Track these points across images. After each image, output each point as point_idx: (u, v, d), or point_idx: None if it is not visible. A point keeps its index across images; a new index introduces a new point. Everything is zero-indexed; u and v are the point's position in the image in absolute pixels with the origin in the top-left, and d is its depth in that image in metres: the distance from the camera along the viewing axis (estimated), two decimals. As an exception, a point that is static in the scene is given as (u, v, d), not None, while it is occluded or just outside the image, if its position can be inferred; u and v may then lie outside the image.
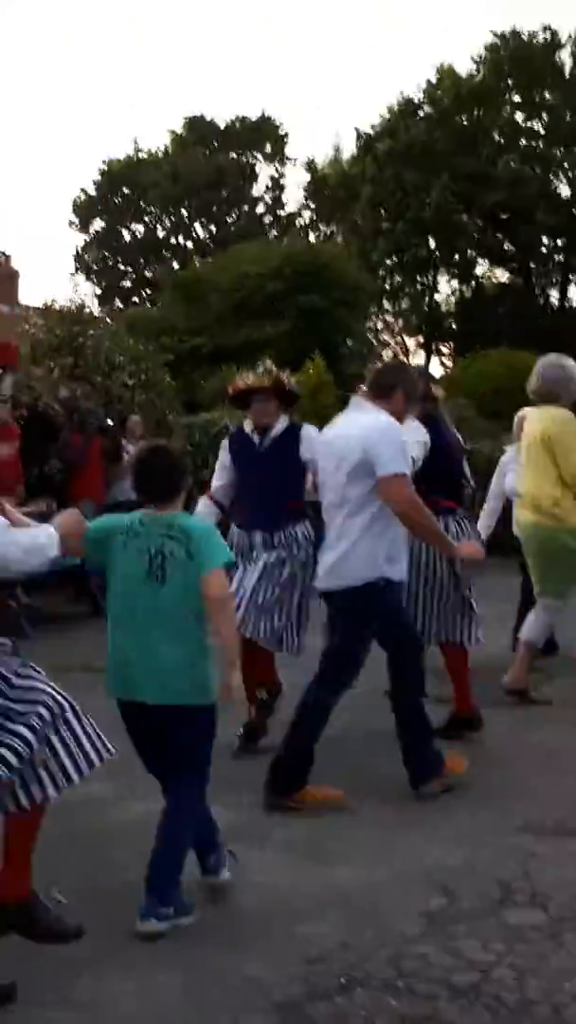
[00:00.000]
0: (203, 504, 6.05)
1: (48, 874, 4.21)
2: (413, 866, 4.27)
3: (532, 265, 36.34)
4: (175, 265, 35.03)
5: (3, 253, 27.86)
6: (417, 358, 37.62)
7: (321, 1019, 3.22)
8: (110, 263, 41.00)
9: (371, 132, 34.76)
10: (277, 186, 41.24)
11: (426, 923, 3.79)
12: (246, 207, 40.70)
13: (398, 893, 4.04)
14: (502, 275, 37.58)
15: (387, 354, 37.56)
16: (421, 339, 37.38)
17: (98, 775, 3.69)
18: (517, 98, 35.30)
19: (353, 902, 3.99)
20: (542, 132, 35.03)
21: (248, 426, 6.09)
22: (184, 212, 40.24)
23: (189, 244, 40.52)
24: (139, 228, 41.46)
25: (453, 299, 37.40)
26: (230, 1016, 3.23)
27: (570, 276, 35.96)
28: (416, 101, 34.75)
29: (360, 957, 3.57)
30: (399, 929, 3.75)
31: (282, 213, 40.89)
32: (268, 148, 40.90)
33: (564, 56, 34.75)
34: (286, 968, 3.51)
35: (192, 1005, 3.30)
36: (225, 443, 6.22)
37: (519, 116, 35.45)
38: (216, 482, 6.14)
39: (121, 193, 40.45)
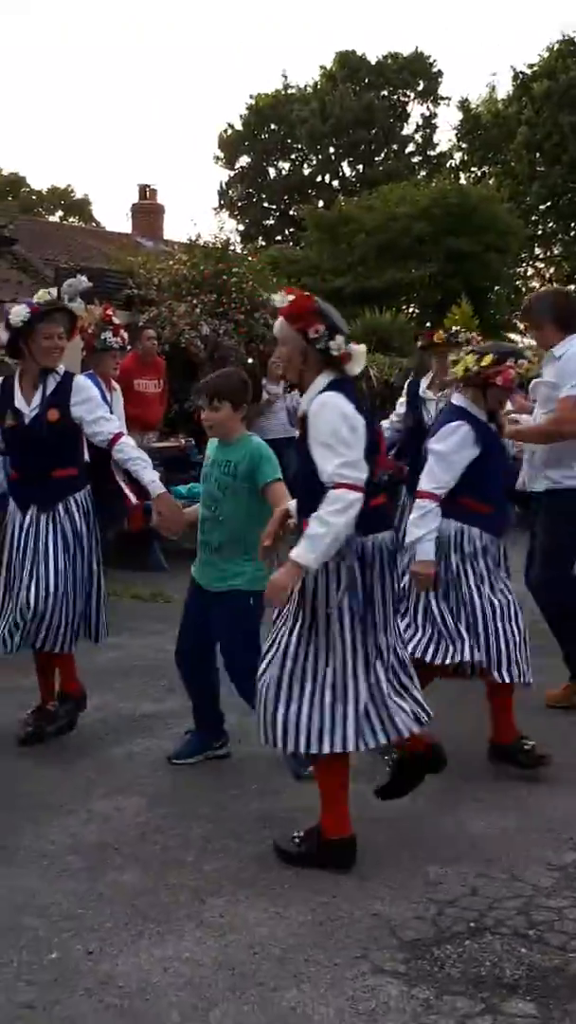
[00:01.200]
0: None
1: (195, 800, 4.33)
2: (546, 820, 4.25)
3: None
4: (320, 204, 34.70)
5: (149, 187, 28.07)
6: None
7: (449, 961, 3.23)
8: (254, 200, 40.90)
9: (528, 72, 33.72)
10: (428, 125, 40.43)
11: (559, 877, 3.76)
12: (395, 147, 40.01)
13: (530, 845, 4.02)
14: None
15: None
16: (572, 288, 36.39)
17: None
18: None
19: (484, 850, 3.98)
20: None
21: None
22: (332, 150, 39.78)
23: (335, 183, 40.09)
24: (285, 166, 41.19)
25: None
26: (359, 950, 3.27)
27: None
28: (577, 40, 33.54)
29: (490, 904, 3.57)
30: (531, 880, 3.73)
31: (432, 154, 40.08)
32: (420, 86, 40.05)
33: None
34: (415, 909, 3.53)
35: (322, 937, 3.35)
36: None
37: None
38: None
39: (268, 129, 40.19)
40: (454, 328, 6.98)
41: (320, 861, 3.81)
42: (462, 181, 32.79)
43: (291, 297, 3.84)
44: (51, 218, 40.77)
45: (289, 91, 40.33)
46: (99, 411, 5.01)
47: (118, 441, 4.94)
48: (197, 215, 38.16)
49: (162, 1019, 2.90)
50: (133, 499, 7.15)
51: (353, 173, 39.93)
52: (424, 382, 7.15)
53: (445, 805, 4.37)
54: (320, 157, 40.16)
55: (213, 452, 4.80)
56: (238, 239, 27.11)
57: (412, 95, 40.26)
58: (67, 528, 4.93)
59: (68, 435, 4.97)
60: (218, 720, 4.90)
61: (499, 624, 4.70)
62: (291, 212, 39.34)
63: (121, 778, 4.63)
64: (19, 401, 4.95)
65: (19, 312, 4.89)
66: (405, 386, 7.40)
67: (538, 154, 32.58)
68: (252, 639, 4.65)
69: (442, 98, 40.28)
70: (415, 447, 6.05)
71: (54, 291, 5.10)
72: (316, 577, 3.74)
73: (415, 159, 40.17)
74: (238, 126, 40.45)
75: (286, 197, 40.37)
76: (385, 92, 39.58)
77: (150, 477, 4.88)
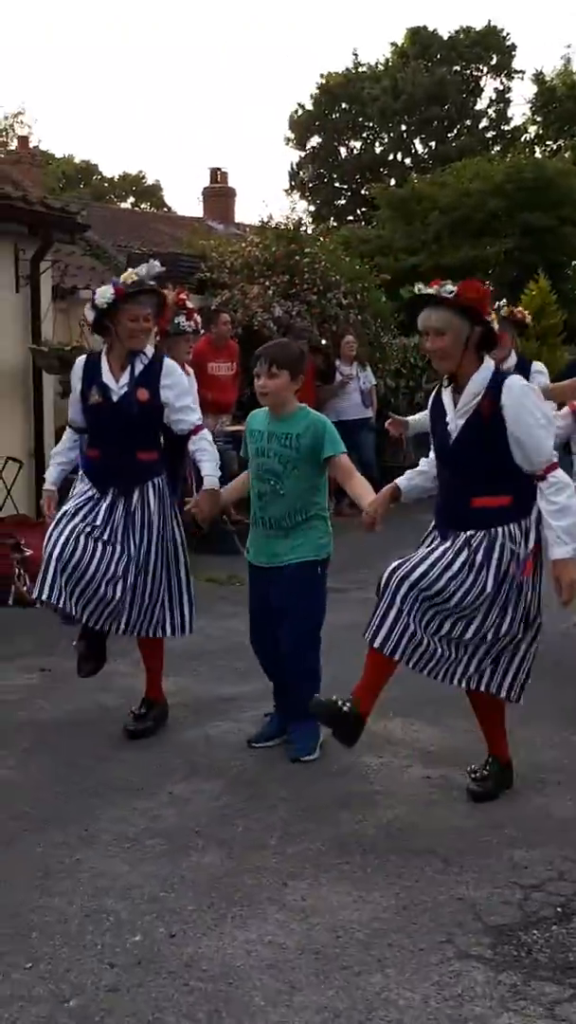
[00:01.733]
0: None
1: (275, 783, 4.31)
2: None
3: None
4: (392, 183, 34.43)
5: (220, 171, 28.08)
6: None
7: (536, 946, 3.17)
8: (325, 180, 40.68)
9: (604, 40, 33.02)
10: (502, 100, 39.81)
11: None
12: (468, 122, 39.48)
13: (618, 828, 3.94)
14: None
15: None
16: None
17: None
18: None
19: (570, 833, 3.91)
20: None
21: None
22: (403, 128, 39.37)
23: (408, 161, 39.69)
24: (356, 145, 40.87)
25: None
26: (444, 935, 3.22)
27: None
28: None
29: (577, 889, 3.50)
30: (619, 865, 3.65)
31: (506, 128, 39.48)
32: (494, 60, 39.44)
33: None
34: (501, 893, 3.48)
35: (406, 921, 3.31)
36: None
37: None
38: None
39: (339, 108, 39.90)
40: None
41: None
42: (537, 155, 32.24)
43: (452, 287, 3.90)
44: (123, 205, 41.01)
45: (360, 69, 39.98)
46: (187, 399, 4.94)
47: (199, 432, 4.89)
48: (268, 197, 38.13)
49: (246, 1003, 2.88)
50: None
51: (425, 150, 39.48)
52: None
53: (530, 787, 4.29)
54: (392, 135, 39.76)
55: (265, 425, 4.72)
56: (309, 220, 27.12)
57: (485, 70, 39.62)
58: (145, 516, 4.85)
59: (155, 417, 4.88)
60: None
61: None
62: (363, 191, 39.05)
63: (200, 761, 4.63)
64: (107, 378, 4.87)
65: (104, 293, 4.83)
66: None
67: (615, 124, 31.97)
68: (317, 615, 4.68)
69: (516, 72, 39.60)
70: None
71: (143, 269, 5.03)
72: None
73: (489, 134, 39.58)
74: (309, 106, 40.21)
75: (358, 176, 40.06)
76: (457, 67, 38.99)
77: (209, 470, 4.82)
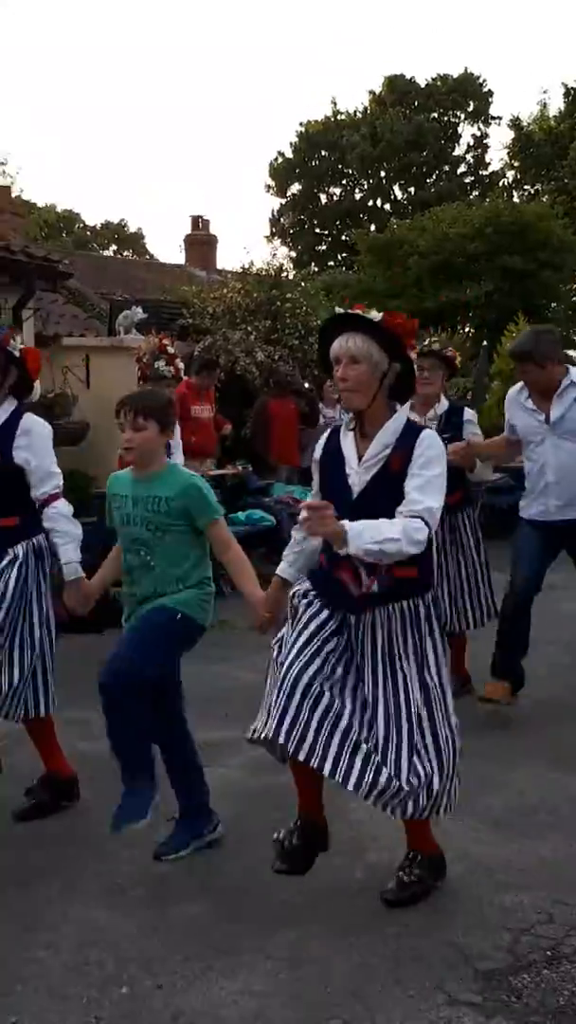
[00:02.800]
0: None
1: (261, 829, 4.28)
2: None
3: None
4: (372, 228, 34.75)
5: (201, 218, 28.34)
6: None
7: (526, 990, 3.15)
8: (306, 226, 41.05)
9: (579, 87, 33.54)
10: (480, 145, 40.35)
11: None
12: (447, 168, 39.97)
13: (607, 870, 3.91)
14: None
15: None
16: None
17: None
18: None
19: (558, 875, 3.88)
20: None
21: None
22: (383, 174, 39.83)
23: (387, 207, 40.12)
24: (336, 191, 41.31)
25: None
26: (433, 981, 3.19)
27: None
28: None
29: (567, 931, 3.48)
30: (609, 906, 3.62)
31: (484, 173, 39.97)
32: (471, 107, 40.01)
33: None
34: (490, 937, 3.45)
35: (396, 968, 3.28)
36: None
37: None
38: None
39: (319, 155, 40.36)
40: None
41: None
42: (515, 200, 32.64)
43: (378, 314, 3.49)
44: (105, 252, 41.30)
45: (339, 117, 40.51)
46: (46, 460, 4.42)
47: (51, 503, 4.41)
48: (250, 244, 38.39)
49: (233, 1055, 2.84)
50: None
51: (405, 196, 39.93)
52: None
53: (517, 830, 4.27)
54: (371, 181, 40.23)
55: (129, 488, 4.14)
56: (291, 266, 27.31)
57: (462, 116, 40.22)
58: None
59: (7, 479, 4.37)
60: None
61: None
62: (343, 237, 39.43)
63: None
64: None
65: None
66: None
67: (592, 169, 32.35)
68: (150, 668, 4.01)
69: (493, 118, 40.22)
70: None
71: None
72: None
73: (467, 180, 40.08)
74: (288, 154, 40.68)
75: (338, 222, 40.46)
76: (435, 114, 39.57)
77: (66, 555, 4.40)
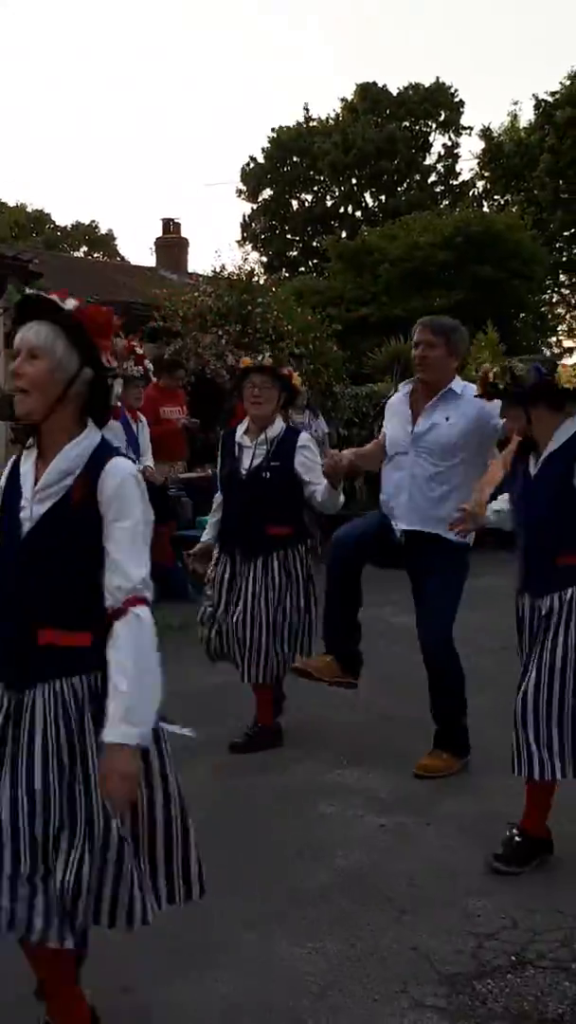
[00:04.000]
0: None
1: (230, 831, 4.27)
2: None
3: None
4: (343, 235, 34.83)
5: (172, 221, 28.31)
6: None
7: (490, 995, 3.16)
8: (277, 232, 41.10)
9: (550, 99, 33.79)
10: (451, 155, 40.55)
11: (601, 907, 3.68)
12: (418, 177, 40.14)
13: (571, 875, 3.94)
14: None
15: (561, 328, 36.68)
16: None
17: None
18: None
19: (523, 881, 3.90)
20: None
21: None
22: (354, 181, 39.95)
23: (358, 214, 40.24)
24: (307, 197, 41.39)
25: None
26: (398, 985, 3.20)
27: None
28: (599, 67, 33.57)
29: (531, 937, 3.49)
30: (572, 911, 3.65)
31: (455, 183, 40.19)
32: (442, 116, 40.21)
33: None
34: (455, 942, 3.46)
35: (360, 971, 3.29)
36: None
37: None
38: None
39: (290, 161, 40.42)
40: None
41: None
42: (485, 210, 32.85)
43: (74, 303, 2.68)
44: (76, 254, 41.14)
45: (311, 124, 40.60)
46: None
47: None
48: (221, 248, 38.43)
49: (199, 1057, 2.84)
50: None
51: (375, 204, 40.05)
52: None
53: (484, 836, 4.29)
54: (342, 188, 40.33)
55: None
56: (261, 271, 27.36)
57: (434, 125, 40.40)
58: None
59: None
60: None
61: None
62: (314, 243, 39.50)
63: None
64: None
65: None
66: None
67: (561, 181, 32.56)
68: None
69: (464, 128, 40.42)
70: None
71: None
72: None
73: (437, 189, 40.27)
74: (260, 159, 40.72)
75: (309, 229, 40.54)
76: (407, 123, 39.72)
77: None
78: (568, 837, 4.20)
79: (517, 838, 4.04)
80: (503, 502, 4.26)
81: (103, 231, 49.26)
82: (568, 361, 38.28)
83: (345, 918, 3.62)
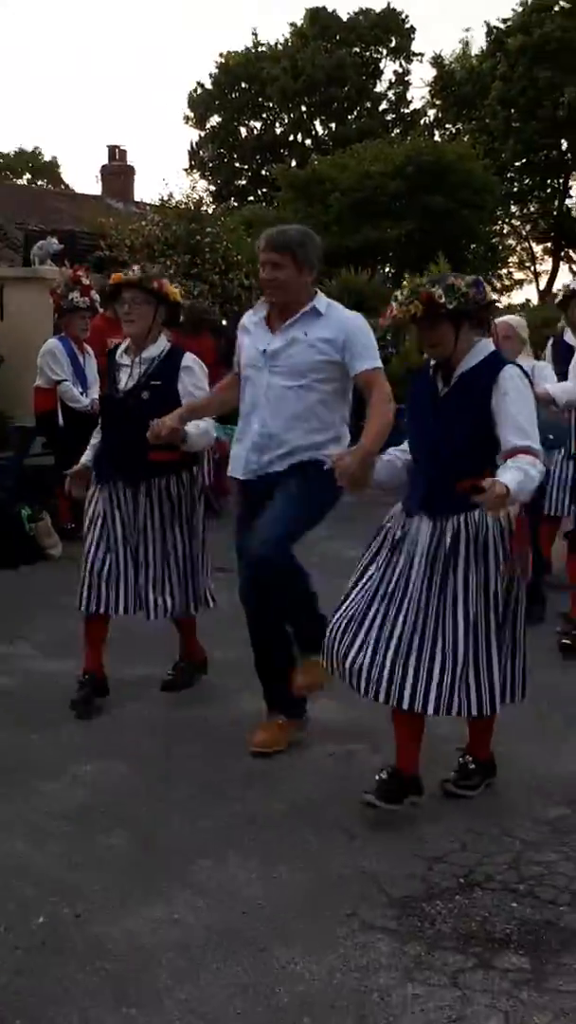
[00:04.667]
0: None
1: (182, 762, 4.29)
2: (533, 775, 4.23)
3: None
4: (293, 164, 34.37)
5: (118, 148, 27.77)
6: (544, 264, 36.59)
7: (439, 917, 3.22)
8: (225, 160, 40.48)
9: (502, 27, 33.39)
10: (401, 83, 40.05)
11: (549, 831, 3.76)
12: (368, 104, 39.63)
13: (520, 800, 4.02)
14: None
15: (512, 260, 36.61)
16: (549, 245, 36.25)
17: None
18: None
19: (472, 806, 3.97)
20: None
21: None
22: (303, 109, 39.37)
23: (308, 142, 39.71)
24: (256, 125, 40.76)
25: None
26: (349, 908, 3.25)
27: None
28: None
29: (479, 859, 3.56)
30: (520, 835, 3.72)
31: (406, 111, 39.73)
32: (393, 43, 39.63)
33: None
34: (404, 866, 3.52)
35: (311, 895, 3.33)
36: None
37: None
38: None
39: (239, 88, 39.71)
40: None
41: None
42: (436, 138, 32.55)
43: None
44: (19, 181, 40.25)
45: (260, 49, 39.84)
46: None
47: None
48: (168, 176, 37.68)
49: (152, 982, 2.88)
50: None
51: (326, 132, 39.55)
52: None
53: (430, 762, 4.34)
54: (292, 116, 39.76)
55: None
56: (210, 200, 26.97)
57: (384, 52, 39.86)
58: None
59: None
60: None
61: None
62: (263, 172, 38.95)
63: (108, 741, 4.58)
64: None
65: None
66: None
67: (513, 110, 32.35)
68: None
69: (415, 55, 39.93)
70: None
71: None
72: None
73: (388, 117, 39.84)
74: (208, 85, 39.96)
75: (258, 157, 39.97)
76: (357, 49, 39.14)
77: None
78: (515, 759, 4.28)
79: (471, 765, 4.08)
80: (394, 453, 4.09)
81: (47, 158, 48.25)
82: (517, 293, 38.33)
83: (297, 844, 3.66)
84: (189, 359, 4.92)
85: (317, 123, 40.00)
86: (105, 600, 4.89)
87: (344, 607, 3.92)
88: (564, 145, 33.61)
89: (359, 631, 3.84)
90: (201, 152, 40.41)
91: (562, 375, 6.29)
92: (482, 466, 3.70)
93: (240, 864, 3.52)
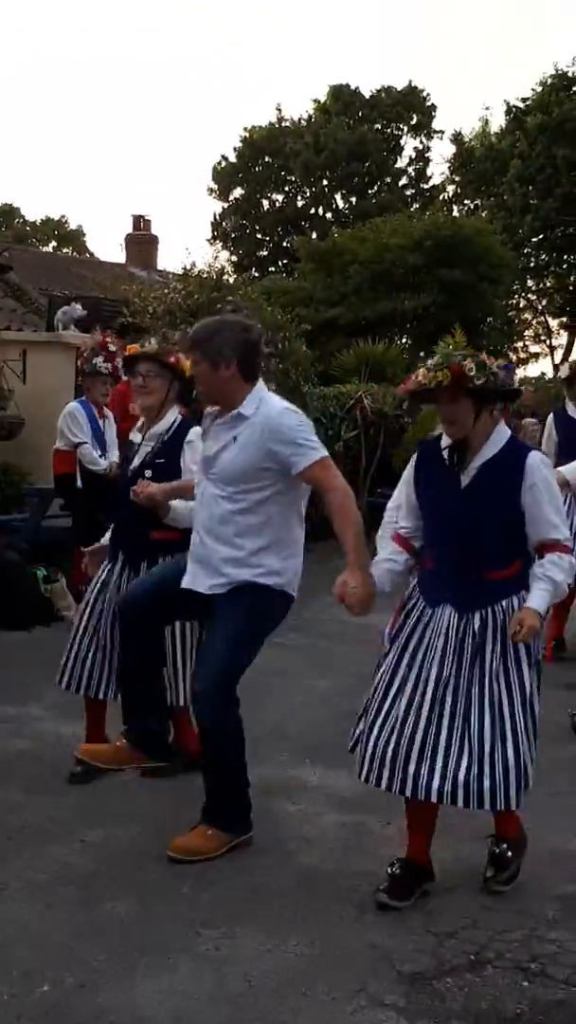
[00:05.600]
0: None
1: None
2: (548, 850, 4.17)
3: None
4: (313, 236, 34.85)
5: (143, 218, 28.23)
6: (560, 339, 36.81)
7: (449, 994, 3.17)
8: (248, 231, 41.05)
9: (522, 105, 33.98)
10: (422, 159, 40.66)
11: (561, 908, 3.70)
12: (389, 179, 40.22)
13: (532, 875, 3.96)
14: None
15: (528, 333, 36.86)
16: (565, 320, 36.53)
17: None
18: None
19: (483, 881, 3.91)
20: None
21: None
22: (325, 183, 39.97)
23: (329, 215, 40.26)
24: (278, 198, 41.36)
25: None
26: (357, 983, 3.20)
27: None
28: (570, 75, 33.76)
29: (491, 936, 3.51)
30: (532, 912, 3.67)
31: (425, 186, 40.30)
32: (414, 120, 40.32)
33: None
34: (414, 941, 3.47)
35: (320, 969, 3.28)
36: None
37: None
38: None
39: (262, 161, 40.38)
40: None
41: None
42: (455, 214, 32.97)
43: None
44: (44, 249, 40.91)
45: (283, 124, 40.57)
46: None
47: None
48: (191, 246, 38.38)
49: (156, 1054, 2.83)
50: None
51: (346, 205, 40.08)
52: None
53: (442, 835, 4.30)
54: (314, 189, 40.33)
55: None
56: (231, 269, 27.32)
57: (405, 128, 40.49)
58: None
59: None
60: None
61: None
62: (284, 244, 39.48)
63: (115, 806, 4.55)
64: None
65: None
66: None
67: (531, 187, 32.74)
68: None
69: (435, 132, 40.53)
70: None
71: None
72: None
73: (408, 192, 40.35)
74: (232, 158, 40.65)
75: (279, 229, 40.50)
76: (379, 125, 39.80)
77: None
78: (527, 835, 4.22)
79: (508, 853, 3.93)
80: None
81: (72, 226, 49.07)
82: (533, 366, 38.56)
83: (305, 916, 3.61)
84: (193, 434, 4.68)
85: (338, 197, 40.56)
86: (86, 682, 4.79)
87: (372, 703, 3.82)
88: (581, 223, 33.98)
89: (379, 721, 3.76)
90: (224, 223, 40.99)
91: (565, 442, 7.02)
92: (512, 557, 3.72)
93: (247, 935, 3.48)
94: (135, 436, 4.95)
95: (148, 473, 4.69)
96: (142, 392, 4.78)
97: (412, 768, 3.65)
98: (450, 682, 3.69)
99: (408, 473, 3.98)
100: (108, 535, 4.97)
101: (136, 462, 4.81)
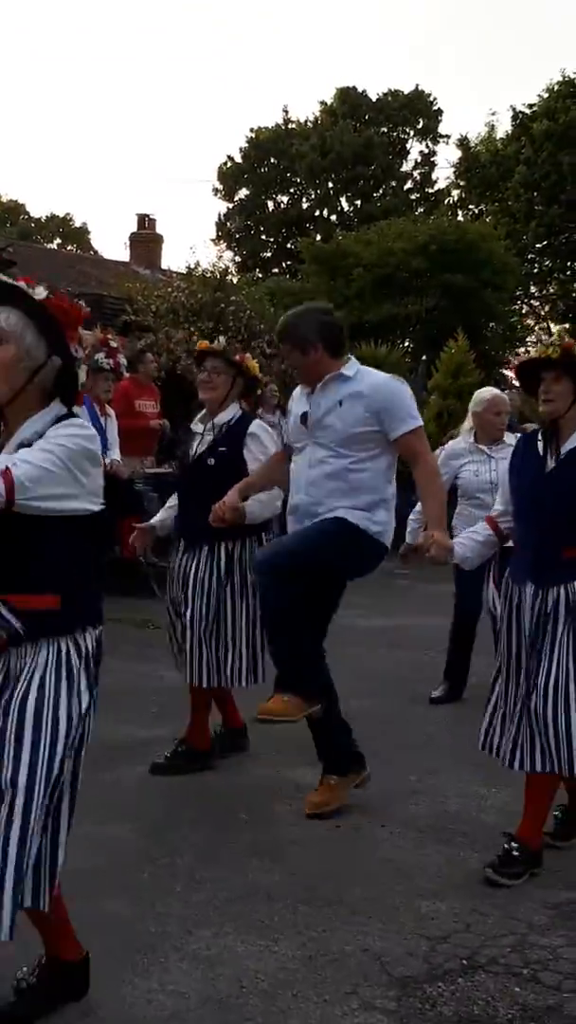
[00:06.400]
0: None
1: (185, 829, 4.25)
2: (544, 858, 4.16)
3: None
4: (318, 238, 34.85)
5: (148, 217, 28.21)
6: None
7: (441, 999, 3.16)
8: (252, 232, 41.06)
9: (528, 111, 33.97)
10: (427, 163, 40.68)
11: (553, 914, 3.69)
12: (394, 183, 40.23)
13: (527, 882, 3.95)
14: None
15: (530, 339, 36.87)
16: (567, 326, 36.56)
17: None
18: None
19: (477, 886, 3.91)
20: None
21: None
22: (330, 185, 39.98)
23: (333, 218, 40.27)
24: (283, 199, 41.38)
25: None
26: (349, 987, 3.19)
27: None
28: (577, 81, 33.77)
29: (483, 941, 3.50)
30: (525, 917, 3.66)
31: (431, 191, 40.31)
32: (420, 124, 40.34)
33: None
34: (407, 945, 3.46)
35: (311, 971, 3.27)
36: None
37: None
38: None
39: (268, 162, 40.40)
40: None
41: None
42: (459, 218, 32.94)
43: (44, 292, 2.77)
44: (49, 246, 40.91)
45: (289, 125, 40.59)
46: None
47: None
48: (195, 245, 38.29)
49: (146, 1053, 2.82)
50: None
51: (351, 208, 40.08)
52: None
53: (436, 840, 4.30)
54: (319, 191, 40.34)
55: None
56: (235, 270, 27.34)
57: (411, 132, 40.52)
58: None
59: None
60: None
61: None
62: (288, 245, 39.48)
63: (110, 805, 4.54)
64: None
65: None
66: None
67: (535, 193, 32.71)
68: None
69: (441, 136, 40.56)
70: None
71: None
72: None
73: (413, 196, 40.36)
74: (238, 159, 40.67)
75: (284, 230, 40.50)
76: (385, 129, 39.82)
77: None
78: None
79: (515, 852, 3.99)
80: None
81: (77, 224, 49.07)
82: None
83: (297, 918, 3.60)
84: (256, 426, 5.03)
85: (343, 199, 40.57)
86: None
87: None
88: (586, 229, 33.97)
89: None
90: (228, 223, 41.01)
91: None
92: None
93: (239, 936, 3.46)
94: (196, 426, 5.14)
95: (211, 461, 4.95)
96: (207, 387, 5.02)
97: (521, 742, 3.93)
98: (530, 657, 3.93)
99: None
100: (159, 517, 5.27)
101: (198, 450, 5.02)
